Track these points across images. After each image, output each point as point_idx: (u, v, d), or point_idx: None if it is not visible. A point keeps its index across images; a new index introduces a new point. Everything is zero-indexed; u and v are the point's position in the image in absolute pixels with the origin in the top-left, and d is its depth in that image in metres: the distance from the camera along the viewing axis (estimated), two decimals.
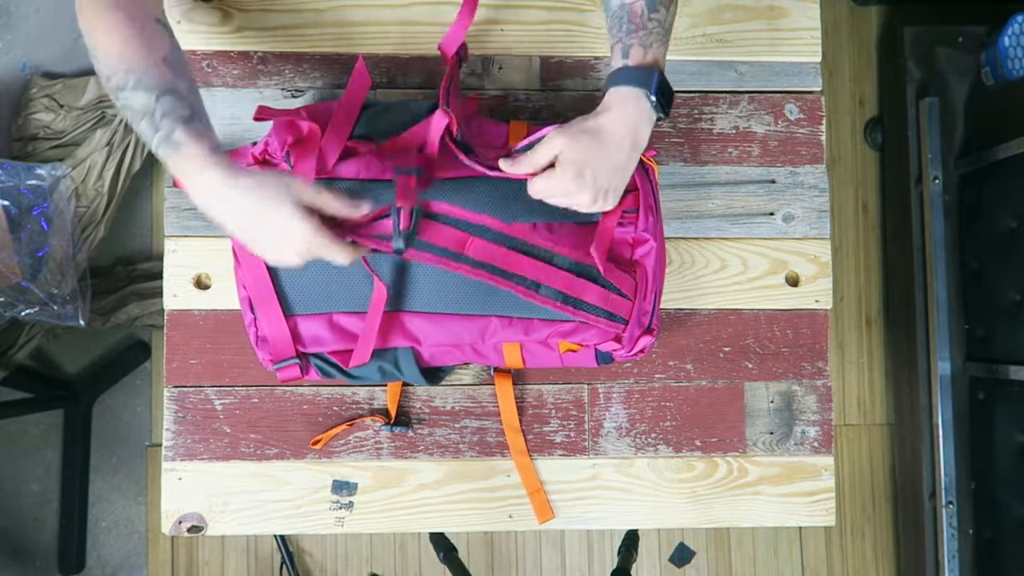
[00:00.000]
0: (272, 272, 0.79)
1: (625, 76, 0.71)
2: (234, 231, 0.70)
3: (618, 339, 0.79)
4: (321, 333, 0.79)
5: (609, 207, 0.74)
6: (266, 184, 0.69)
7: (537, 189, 0.72)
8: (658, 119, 0.73)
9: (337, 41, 0.91)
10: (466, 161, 0.75)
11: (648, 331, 0.80)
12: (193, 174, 0.68)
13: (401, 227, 0.73)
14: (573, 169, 0.70)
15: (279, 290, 0.79)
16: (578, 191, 0.71)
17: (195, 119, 0.71)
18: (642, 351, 0.81)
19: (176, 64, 0.73)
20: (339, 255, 0.71)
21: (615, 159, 0.71)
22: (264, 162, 0.79)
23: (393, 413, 0.88)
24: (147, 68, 0.70)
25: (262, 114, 0.77)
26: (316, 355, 0.81)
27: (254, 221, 0.69)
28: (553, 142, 0.71)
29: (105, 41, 0.71)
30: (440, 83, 0.91)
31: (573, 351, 0.83)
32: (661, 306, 0.84)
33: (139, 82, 0.70)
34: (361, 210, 0.72)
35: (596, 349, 0.82)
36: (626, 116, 0.71)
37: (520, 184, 0.74)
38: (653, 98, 0.71)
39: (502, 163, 0.74)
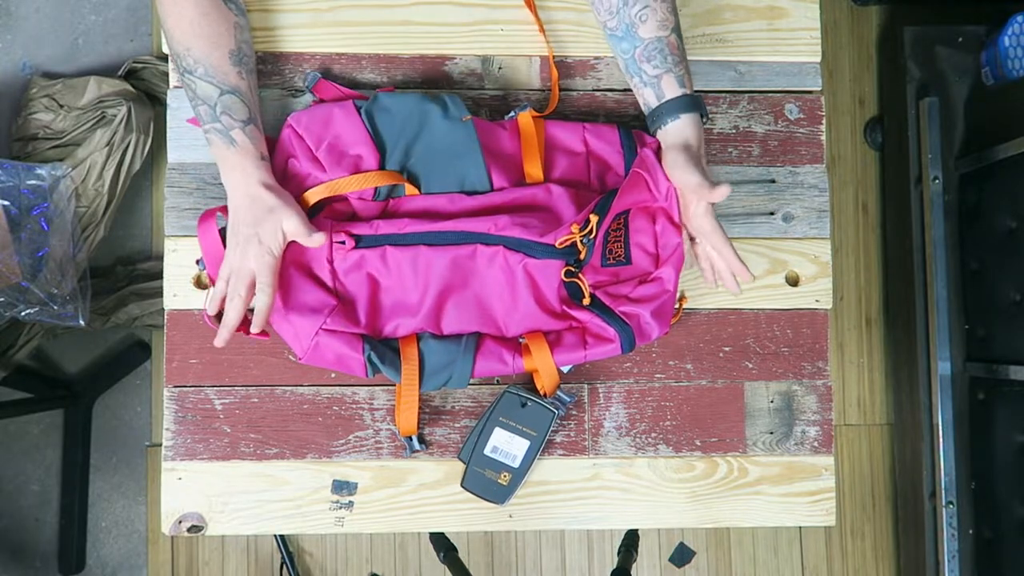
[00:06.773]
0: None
1: (688, 103, 0.82)
2: (231, 220, 0.79)
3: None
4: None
5: None
6: (276, 211, 0.77)
7: (720, 193, 0.79)
8: None
9: (337, 41, 0.91)
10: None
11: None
12: (237, 168, 0.79)
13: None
14: (707, 178, 0.79)
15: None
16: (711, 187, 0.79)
17: (251, 122, 0.80)
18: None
19: (241, 60, 0.81)
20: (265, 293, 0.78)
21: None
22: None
23: (415, 427, 0.86)
24: (214, 64, 0.79)
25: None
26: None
27: (248, 225, 0.78)
28: (693, 183, 0.80)
29: (173, 22, 0.79)
30: (442, 86, 0.91)
31: (598, 339, 0.83)
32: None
33: (207, 74, 0.79)
34: (315, 241, 0.78)
35: (621, 337, 0.82)
36: (698, 134, 0.82)
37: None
38: (705, 118, 0.84)
39: (730, 285, 0.84)
